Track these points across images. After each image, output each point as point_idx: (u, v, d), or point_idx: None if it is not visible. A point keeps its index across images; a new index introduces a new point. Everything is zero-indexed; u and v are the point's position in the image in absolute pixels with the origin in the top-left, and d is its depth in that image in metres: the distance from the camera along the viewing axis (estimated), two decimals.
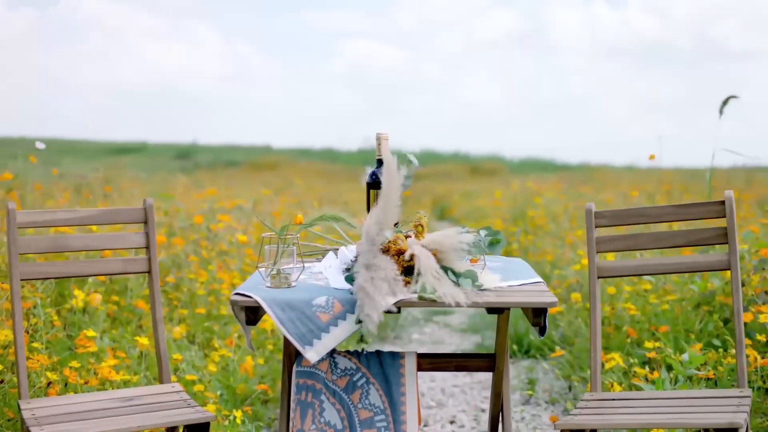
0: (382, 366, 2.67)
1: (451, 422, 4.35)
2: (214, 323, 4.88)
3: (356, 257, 2.66)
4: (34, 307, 3.77)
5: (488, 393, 4.83)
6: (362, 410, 2.63)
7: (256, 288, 2.53)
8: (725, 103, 4.94)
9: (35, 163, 5.76)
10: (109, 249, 3.04)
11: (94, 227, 4.83)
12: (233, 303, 2.46)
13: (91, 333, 3.59)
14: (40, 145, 4.88)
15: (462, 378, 5.12)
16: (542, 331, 2.52)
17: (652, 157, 5.03)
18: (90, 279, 4.42)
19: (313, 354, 2.42)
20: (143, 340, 3.70)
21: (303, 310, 2.44)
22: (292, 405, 2.64)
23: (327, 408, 2.63)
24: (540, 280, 2.69)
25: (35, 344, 3.55)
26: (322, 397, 2.63)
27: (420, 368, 2.85)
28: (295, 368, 2.65)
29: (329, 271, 2.69)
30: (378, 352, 2.69)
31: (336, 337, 2.43)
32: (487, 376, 5.11)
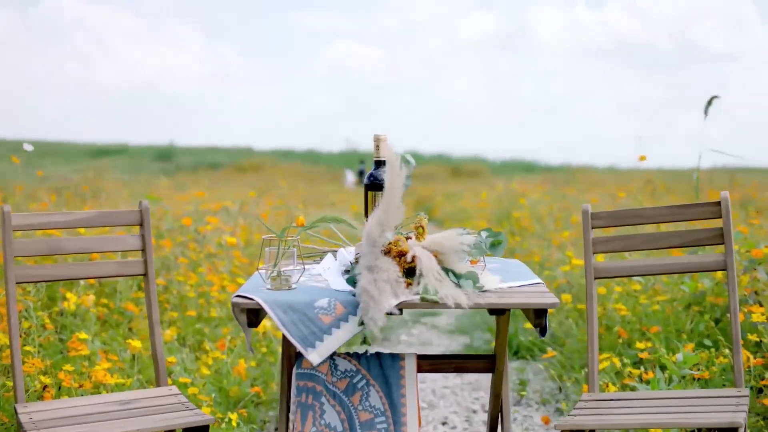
0: (382, 368, 2.66)
1: (443, 423, 4.35)
2: (205, 326, 4.87)
3: (356, 259, 2.66)
4: (26, 311, 3.75)
5: (479, 394, 4.83)
6: (362, 412, 2.63)
7: (257, 290, 2.52)
8: (709, 103, 4.97)
9: (15, 166, 5.73)
10: (106, 251, 3.02)
11: (82, 230, 4.80)
12: (234, 305, 2.45)
13: (83, 336, 3.57)
14: (27, 147, 4.84)
15: (452, 379, 5.12)
16: (543, 331, 2.52)
17: (642, 158, 5.04)
18: (81, 282, 4.39)
19: (315, 356, 2.41)
20: (136, 343, 3.67)
21: (305, 312, 2.43)
22: (292, 407, 2.63)
23: (327, 410, 2.62)
24: (539, 281, 2.70)
25: (27, 347, 3.53)
26: (323, 399, 2.63)
27: (420, 370, 2.85)
28: (295, 370, 2.64)
29: (328, 273, 2.69)
30: (378, 354, 2.69)
31: (338, 338, 2.42)
32: (477, 377, 5.11)
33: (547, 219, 9.08)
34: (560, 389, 4.71)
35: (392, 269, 2.42)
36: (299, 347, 2.41)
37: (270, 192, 12.42)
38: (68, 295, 4.03)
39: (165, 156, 28.27)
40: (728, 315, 4.15)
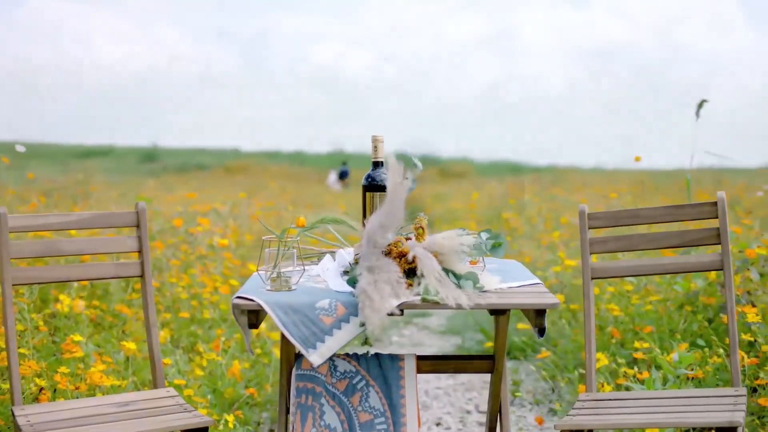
0: (382, 368, 2.66)
1: (437, 424, 4.35)
2: (198, 327, 4.85)
3: (356, 260, 2.66)
4: (20, 312, 3.73)
5: (472, 394, 4.84)
6: (362, 413, 2.63)
7: (257, 291, 2.52)
8: (700, 106, 5.00)
9: (2, 169, 5.71)
10: (103, 253, 3.00)
11: (73, 232, 4.78)
12: (235, 306, 2.44)
13: (77, 338, 3.55)
14: (20, 148, 4.83)
15: (445, 380, 5.13)
16: (542, 332, 2.52)
17: (638, 159, 5.07)
18: (75, 284, 4.38)
19: (316, 357, 2.41)
20: (130, 345, 3.66)
21: (306, 313, 2.43)
22: (292, 408, 2.63)
23: (327, 411, 2.62)
24: (538, 281, 2.70)
25: (22, 350, 3.51)
26: (322, 400, 2.62)
27: (419, 370, 2.85)
28: (294, 371, 2.64)
29: (328, 274, 2.68)
30: (377, 355, 2.69)
31: (340, 340, 2.42)
32: (470, 378, 5.12)
33: (537, 220, 9.11)
34: (553, 389, 4.72)
35: (393, 270, 2.42)
36: (300, 348, 2.41)
37: (259, 193, 12.41)
38: (61, 296, 4.01)
39: (151, 157, 28.20)
40: (721, 315, 4.17)
